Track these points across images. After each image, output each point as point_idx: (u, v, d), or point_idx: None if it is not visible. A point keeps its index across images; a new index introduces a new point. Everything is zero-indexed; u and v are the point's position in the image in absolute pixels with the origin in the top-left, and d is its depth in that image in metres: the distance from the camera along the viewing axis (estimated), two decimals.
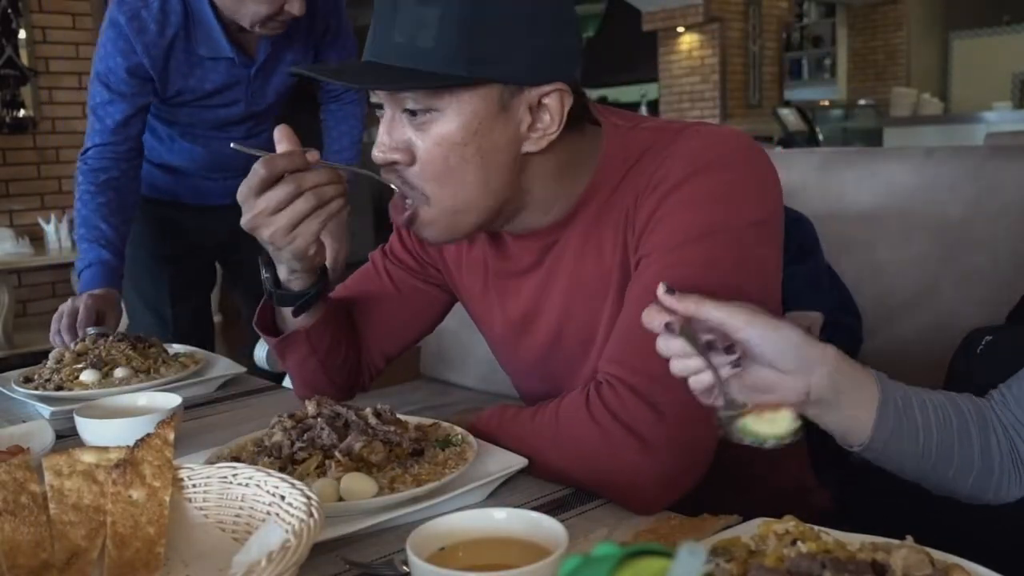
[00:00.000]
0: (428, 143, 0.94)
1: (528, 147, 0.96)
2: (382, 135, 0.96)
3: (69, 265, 4.80)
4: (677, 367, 0.77)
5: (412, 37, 0.89)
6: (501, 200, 0.99)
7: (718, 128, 1.01)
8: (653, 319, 0.77)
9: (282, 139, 0.99)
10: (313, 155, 0.98)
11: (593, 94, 9.65)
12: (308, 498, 0.69)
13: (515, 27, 0.90)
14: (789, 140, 7.37)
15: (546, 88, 0.93)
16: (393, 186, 0.99)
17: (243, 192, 0.98)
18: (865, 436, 0.80)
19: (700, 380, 0.76)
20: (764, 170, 0.97)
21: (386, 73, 0.92)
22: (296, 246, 1.00)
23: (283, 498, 0.71)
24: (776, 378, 0.76)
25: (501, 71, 0.91)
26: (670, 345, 0.77)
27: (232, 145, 1.03)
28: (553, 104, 0.94)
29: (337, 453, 0.89)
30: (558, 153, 0.98)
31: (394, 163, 0.96)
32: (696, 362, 0.75)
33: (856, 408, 0.80)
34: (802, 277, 1.79)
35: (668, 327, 0.75)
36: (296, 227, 0.98)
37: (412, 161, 0.95)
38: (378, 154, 0.96)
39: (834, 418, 0.80)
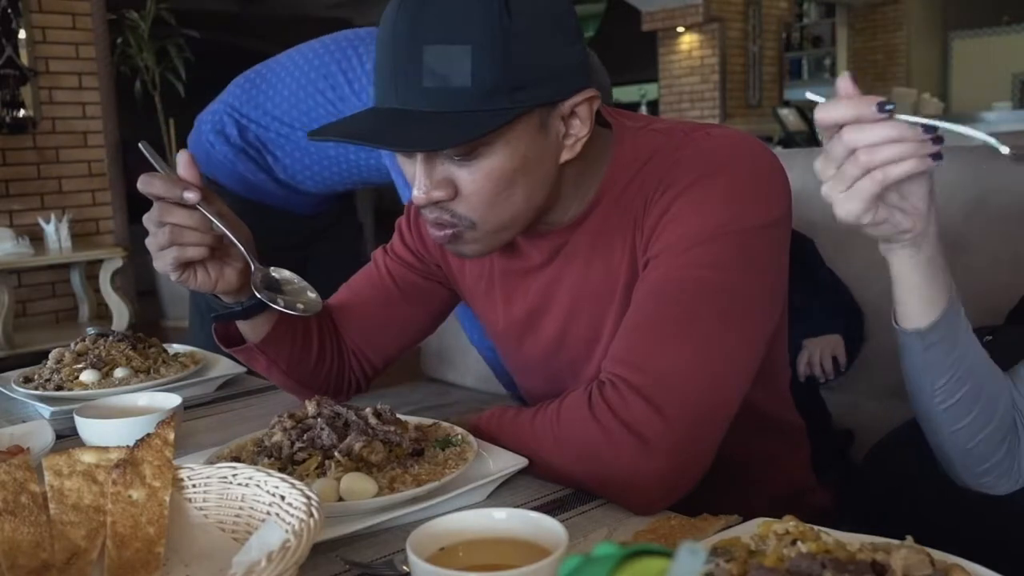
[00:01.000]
0: (476, 176, 0.91)
1: (565, 155, 0.96)
2: (421, 177, 0.92)
3: (69, 265, 4.81)
4: (881, 155, 0.71)
5: (445, 79, 0.86)
6: (541, 210, 0.99)
7: (728, 131, 1.01)
8: (854, 106, 0.71)
9: (181, 165, 0.99)
10: (192, 196, 0.96)
11: None
12: (308, 498, 0.69)
13: (544, 46, 0.88)
14: (789, 140, 7.37)
15: (579, 98, 0.93)
16: (429, 218, 0.97)
17: None
18: (934, 316, 0.84)
19: (900, 168, 0.71)
20: (774, 174, 0.97)
21: (428, 125, 0.87)
22: (157, 266, 1.01)
23: (283, 498, 0.71)
24: (906, 203, 0.76)
25: (541, 94, 0.89)
26: (880, 132, 0.70)
27: (140, 144, 1.02)
28: (583, 110, 0.94)
29: (337, 453, 0.89)
30: (580, 154, 0.98)
31: (437, 201, 0.93)
32: (906, 147, 0.71)
33: (937, 285, 0.83)
34: (810, 296, 1.81)
35: (884, 107, 0.70)
36: (160, 250, 0.99)
37: (456, 195, 0.93)
38: (420, 195, 0.93)
39: (923, 278, 0.82)
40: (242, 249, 1.01)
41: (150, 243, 1.00)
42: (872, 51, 10.06)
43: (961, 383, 0.87)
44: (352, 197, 2.30)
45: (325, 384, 1.22)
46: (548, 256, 1.06)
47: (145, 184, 0.97)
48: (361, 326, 1.24)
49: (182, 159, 0.99)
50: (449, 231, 0.96)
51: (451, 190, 0.92)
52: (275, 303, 1.00)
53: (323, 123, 1.93)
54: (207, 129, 2.06)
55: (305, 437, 0.92)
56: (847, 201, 0.74)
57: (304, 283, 1.04)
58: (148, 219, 0.99)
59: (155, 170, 1.00)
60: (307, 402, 0.97)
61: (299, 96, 1.95)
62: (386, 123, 0.89)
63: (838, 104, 0.72)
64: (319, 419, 0.94)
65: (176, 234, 0.97)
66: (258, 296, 1.01)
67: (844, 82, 0.73)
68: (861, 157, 0.72)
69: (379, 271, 1.25)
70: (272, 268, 1.04)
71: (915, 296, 0.84)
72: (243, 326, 1.13)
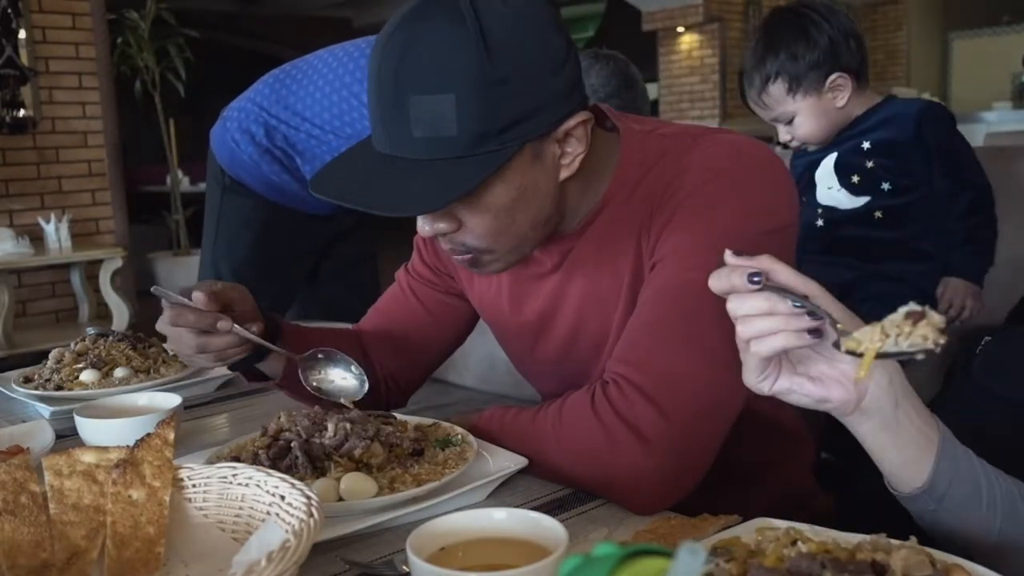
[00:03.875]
0: (476, 212, 0.93)
1: (564, 174, 0.96)
2: (424, 215, 0.95)
3: (69, 265, 4.81)
4: (754, 328, 0.69)
5: (432, 128, 0.86)
6: (552, 223, 1.00)
7: (736, 136, 1.01)
8: (729, 277, 0.69)
9: (200, 302, 1.02)
10: (225, 324, 1.02)
11: None
12: (308, 498, 0.69)
13: (529, 83, 0.88)
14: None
15: (571, 122, 0.92)
16: (446, 248, 0.99)
17: None
18: (924, 475, 0.73)
19: (772, 343, 0.69)
20: (780, 179, 0.97)
21: (420, 178, 0.88)
22: (192, 364, 1.11)
23: (283, 498, 0.71)
24: (830, 370, 0.71)
25: (529, 129, 0.89)
26: (752, 304, 0.69)
27: (152, 289, 1.09)
28: (579, 131, 0.94)
29: (337, 455, 0.89)
30: (583, 165, 0.97)
31: (443, 233, 0.95)
32: (776, 321, 0.68)
33: (914, 440, 0.73)
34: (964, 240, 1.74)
35: (752, 279, 0.68)
36: (197, 355, 1.07)
37: (460, 227, 0.94)
38: (425, 228, 0.95)
39: (889, 442, 0.73)
40: (277, 349, 1.09)
41: (182, 355, 1.09)
42: (872, 51, 10.04)
43: (993, 498, 0.75)
44: None
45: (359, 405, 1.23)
46: (557, 261, 1.07)
47: (177, 318, 1.03)
48: (393, 350, 1.25)
49: (198, 297, 1.03)
50: (467, 256, 0.98)
51: (455, 223, 0.94)
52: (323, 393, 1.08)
53: (358, 127, 1.88)
54: (233, 127, 2.02)
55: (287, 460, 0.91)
56: (743, 369, 0.73)
57: (346, 361, 1.09)
58: (181, 344, 1.05)
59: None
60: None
61: (332, 100, 1.91)
62: (379, 176, 0.90)
63: (719, 274, 0.70)
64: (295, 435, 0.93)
65: (220, 355, 1.07)
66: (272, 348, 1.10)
67: (727, 255, 0.71)
68: (738, 328, 0.70)
69: (404, 292, 1.26)
70: (311, 352, 1.09)
71: (887, 462, 0.75)
72: (261, 365, 1.16)
